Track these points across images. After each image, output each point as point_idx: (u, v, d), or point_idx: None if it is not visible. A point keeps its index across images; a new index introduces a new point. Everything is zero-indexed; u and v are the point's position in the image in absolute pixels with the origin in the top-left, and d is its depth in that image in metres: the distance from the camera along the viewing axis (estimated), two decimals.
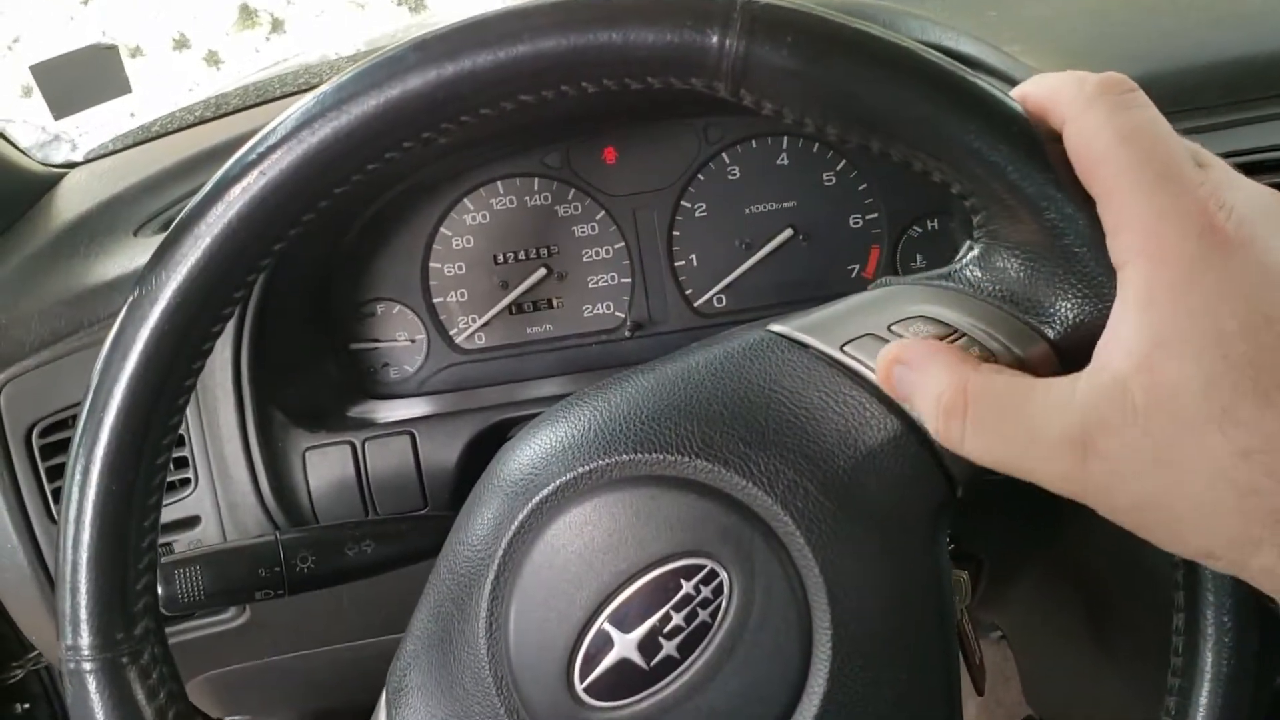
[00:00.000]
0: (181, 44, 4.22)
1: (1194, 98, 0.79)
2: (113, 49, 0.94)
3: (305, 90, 1.00)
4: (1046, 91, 0.43)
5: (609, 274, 0.88)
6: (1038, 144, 0.43)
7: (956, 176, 0.45)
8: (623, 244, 0.87)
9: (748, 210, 0.87)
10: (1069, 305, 0.45)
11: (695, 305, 0.88)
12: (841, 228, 0.87)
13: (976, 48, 0.80)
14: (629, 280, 0.88)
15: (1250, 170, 0.73)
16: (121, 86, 0.93)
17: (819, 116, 0.45)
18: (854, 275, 0.88)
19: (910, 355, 0.45)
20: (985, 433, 0.42)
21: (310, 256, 0.83)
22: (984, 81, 0.44)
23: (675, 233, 0.87)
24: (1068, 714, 1.26)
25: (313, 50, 1.45)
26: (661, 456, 0.47)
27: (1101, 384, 0.39)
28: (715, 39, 0.43)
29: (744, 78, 0.44)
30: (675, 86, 0.45)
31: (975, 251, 0.49)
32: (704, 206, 0.87)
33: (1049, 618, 1.14)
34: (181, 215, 0.48)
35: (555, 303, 0.88)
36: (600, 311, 0.88)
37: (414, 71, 0.45)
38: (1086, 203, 0.42)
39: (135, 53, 4.18)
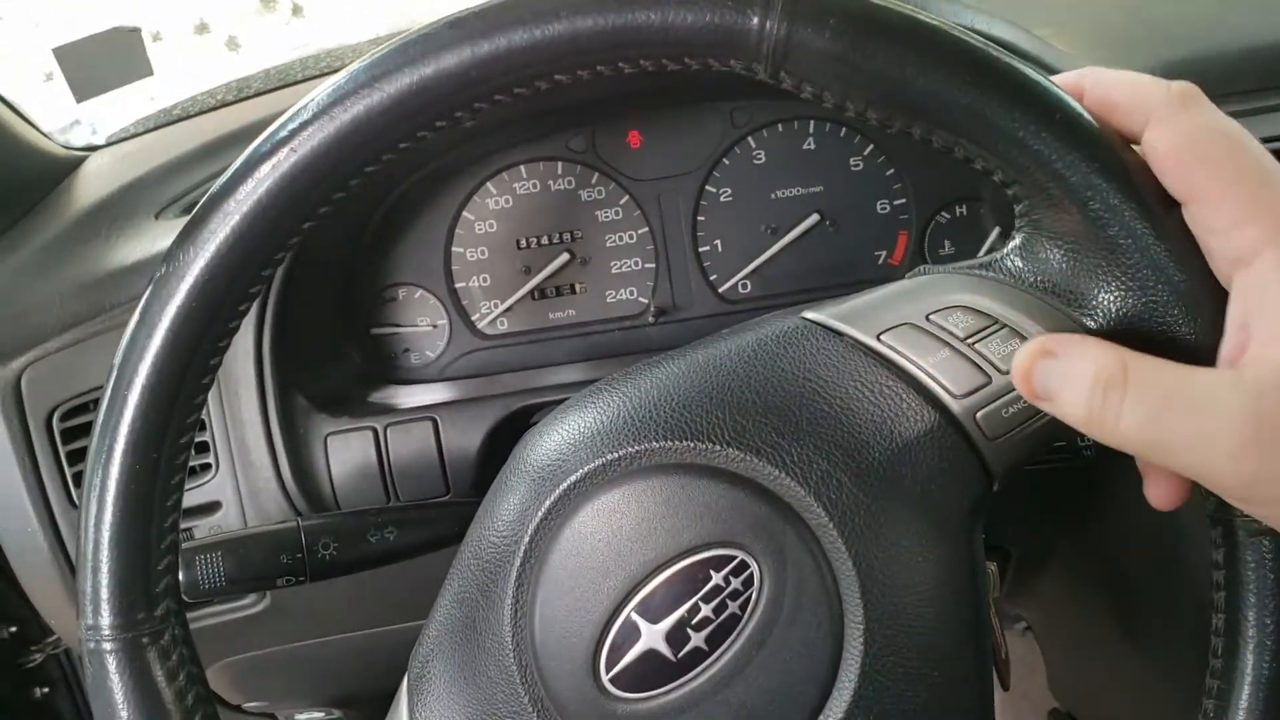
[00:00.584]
0: (202, 29, 4.22)
1: (1228, 83, 0.77)
2: (135, 31, 0.93)
3: (327, 74, 1.00)
4: (1125, 92, 0.43)
5: (633, 259, 0.87)
6: (1083, 133, 0.42)
7: (1000, 164, 0.44)
8: (647, 229, 0.86)
9: (774, 195, 0.86)
10: (1111, 297, 0.45)
11: (720, 291, 0.87)
12: (869, 213, 0.86)
13: (1009, 31, 0.79)
14: (653, 265, 0.87)
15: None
16: (143, 69, 0.92)
17: (860, 101, 0.44)
18: (881, 261, 0.87)
19: (1058, 345, 0.43)
20: (1145, 409, 0.40)
21: (332, 241, 0.83)
22: (1030, 69, 0.43)
23: (700, 217, 0.86)
24: (1094, 708, 1.25)
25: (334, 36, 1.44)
26: (692, 445, 0.47)
27: (1266, 375, 0.39)
28: (756, 20, 0.42)
29: (785, 60, 0.43)
30: (714, 69, 0.44)
31: (1017, 241, 0.48)
32: (729, 191, 0.86)
33: (1077, 611, 1.12)
34: (211, 192, 0.48)
35: (578, 288, 0.87)
36: (624, 297, 0.87)
37: (449, 49, 0.44)
38: (1161, 202, 0.42)
39: (155, 37, 4.18)
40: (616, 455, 0.47)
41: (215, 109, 1.01)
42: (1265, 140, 0.73)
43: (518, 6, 0.44)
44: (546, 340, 0.88)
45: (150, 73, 0.93)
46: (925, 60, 0.42)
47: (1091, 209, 0.43)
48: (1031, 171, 0.44)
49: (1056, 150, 0.42)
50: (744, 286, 0.87)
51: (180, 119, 1.01)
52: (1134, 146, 0.43)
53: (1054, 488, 0.83)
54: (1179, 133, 0.41)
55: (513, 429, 0.78)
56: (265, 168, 0.46)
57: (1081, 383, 0.42)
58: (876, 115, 0.44)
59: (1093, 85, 0.44)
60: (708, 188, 0.86)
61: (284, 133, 0.46)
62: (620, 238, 0.87)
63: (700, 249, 0.87)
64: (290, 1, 4.34)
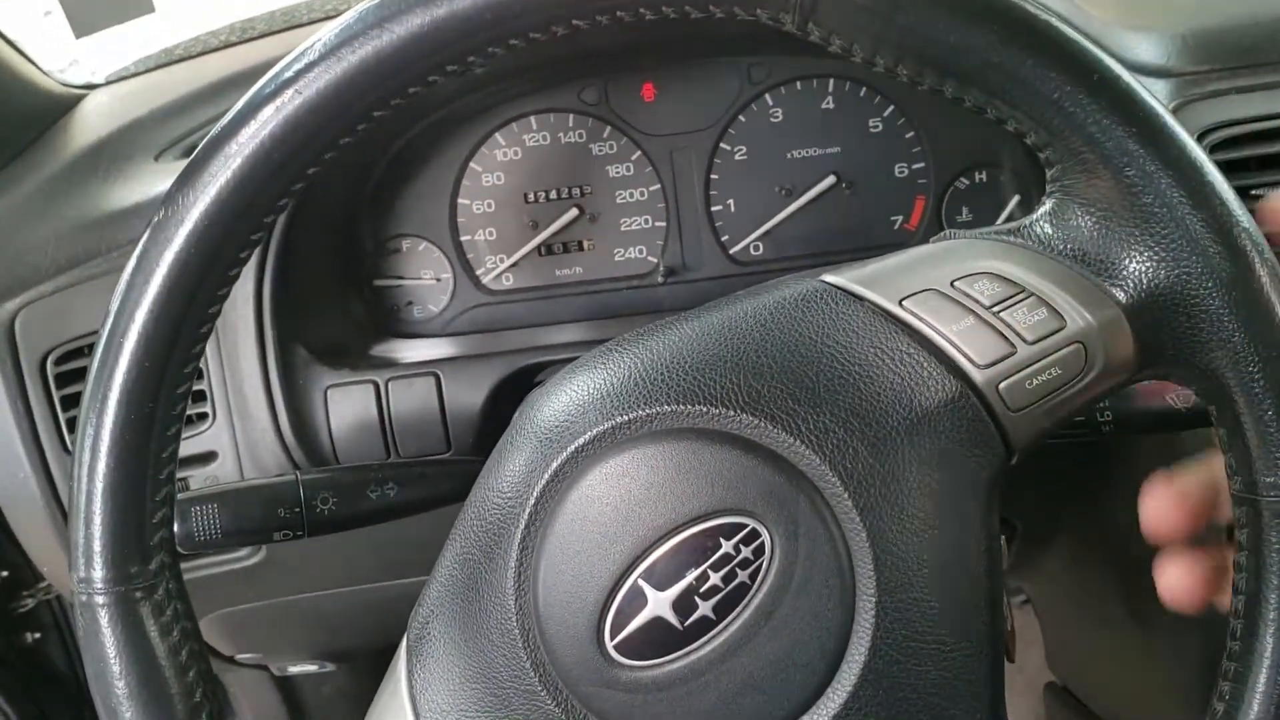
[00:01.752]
0: None
1: (1254, 53, 0.76)
2: None
3: (334, 16, 0.97)
4: None
5: (643, 217, 0.85)
6: (1121, 97, 0.41)
7: (1033, 127, 0.43)
8: (658, 186, 0.84)
9: (789, 155, 0.84)
10: (1143, 267, 0.44)
11: (731, 252, 0.85)
12: (886, 177, 0.84)
13: None
14: (663, 224, 0.85)
15: None
16: (143, 6, 0.90)
17: (890, 57, 0.43)
18: (897, 226, 0.85)
19: None
20: None
21: (335, 189, 0.81)
22: (1069, 29, 0.42)
23: (713, 176, 0.84)
24: (1091, 683, 1.24)
25: None
26: (705, 409, 0.45)
27: None
28: None
29: (814, 11, 0.41)
30: (738, 17, 0.43)
31: (1047, 206, 0.47)
32: (744, 149, 0.84)
33: (1080, 587, 1.12)
34: (212, 133, 0.46)
35: (586, 245, 0.85)
36: (632, 255, 0.86)
37: None
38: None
39: None
40: (627, 418, 0.46)
41: (218, 49, 0.99)
42: None
43: None
44: (552, 298, 0.86)
45: (151, 9, 0.91)
46: (960, 16, 0.41)
47: (1126, 175, 0.42)
48: (1065, 135, 0.42)
49: (1092, 114, 0.41)
50: (756, 248, 0.86)
51: (182, 59, 0.99)
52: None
53: (1066, 462, 0.82)
54: None
55: (517, 387, 0.77)
56: (269, 110, 0.45)
57: None
58: (907, 71, 0.43)
59: None
60: (722, 145, 0.84)
61: (289, 73, 0.45)
62: (631, 194, 0.85)
63: (712, 208, 0.85)
64: None
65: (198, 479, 0.78)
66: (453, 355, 0.79)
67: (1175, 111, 0.72)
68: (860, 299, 0.47)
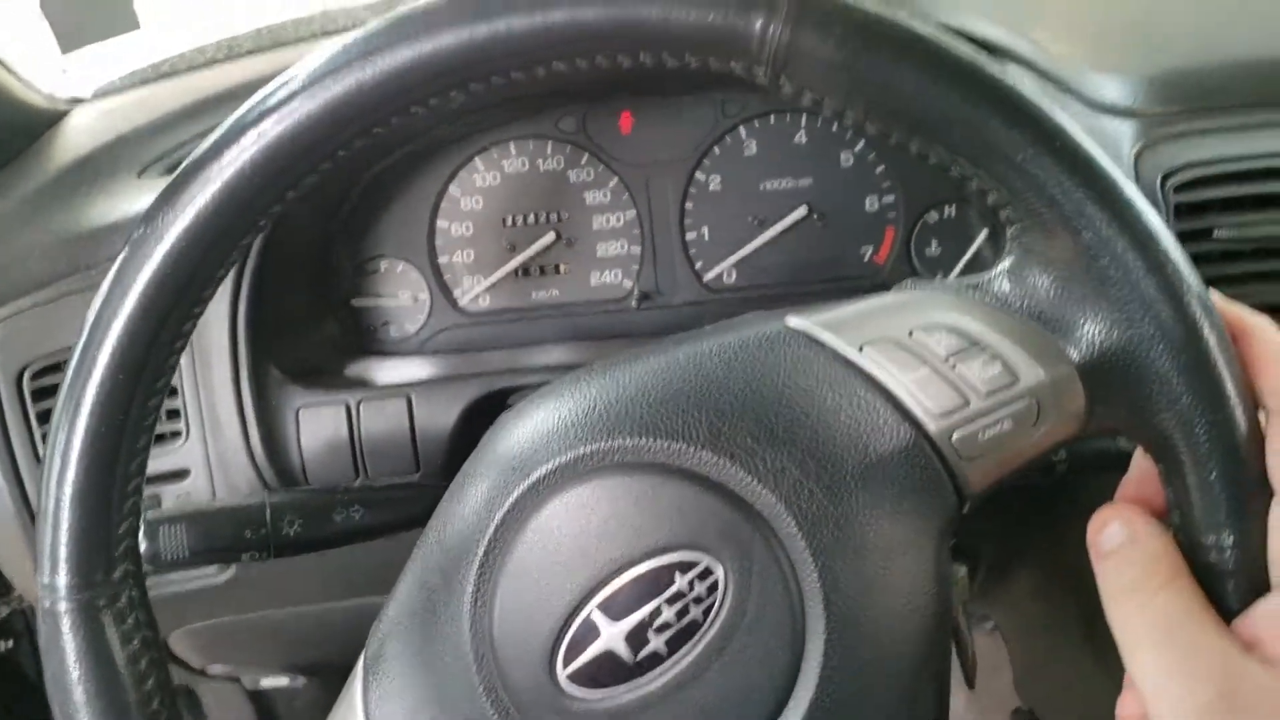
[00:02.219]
0: None
1: (1219, 95, 0.76)
2: None
3: (320, 36, 0.98)
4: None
5: (618, 242, 0.86)
6: (1081, 161, 0.42)
7: (994, 185, 0.44)
8: (634, 213, 0.85)
9: (762, 186, 0.85)
10: (1096, 328, 0.45)
11: (705, 279, 0.87)
12: (857, 209, 0.85)
13: (1006, 35, 0.78)
14: (639, 249, 0.86)
15: (1266, 175, 0.72)
16: (129, 22, 0.91)
17: (860, 112, 0.44)
18: (867, 258, 0.86)
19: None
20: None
21: (315, 209, 0.82)
22: (1032, 94, 0.43)
23: (688, 204, 0.86)
24: (1057, 709, 1.25)
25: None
26: (666, 444, 0.46)
27: None
28: (759, 24, 0.42)
29: (786, 66, 0.42)
30: (713, 69, 0.44)
31: (1006, 264, 0.48)
32: (718, 180, 0.85)
33: (1046, 616, 1.13)
34: (194, 155, 0.47)
35: (562, 268, 0.86)
36: (608, 280, 0.87)
37: (447, 28, 0.43)
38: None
39: None
40: (588, 450, 0.47)
41: (205, 67, 0.99)
42: (1259, 157, 0.74)
43: None
44: (528, 319, 0.87)
45: (137, 26, 0.92)
46: (927, 76, 0.42)
47: (1084, 238, 0.43)
48: (1026, 195, 0.43)
49: (1053, 176, 0.42)
50: (729, 275, 0.87)
51: (169, 75, 1.00)
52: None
53: (1030, 493, 0.83)
54: None
55: (488, 410, 0.77)
56: (251, 135, 0.46)
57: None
58: (875, 126, 0.44)
59: (1258, 341, 0.45)
60: (697, 175, 0.85)
61: (272, 101, 0.45)
62: (607, 220, 0.86)
63: (687, 236, 0.86)
64: None
65: (170, 495, 0.78)
66: (426, 377, 0.80)
67: (1141, 152, 0.74)
68: (821, 344, 0.48)
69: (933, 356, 0.46)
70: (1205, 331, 0.43)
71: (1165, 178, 0.73)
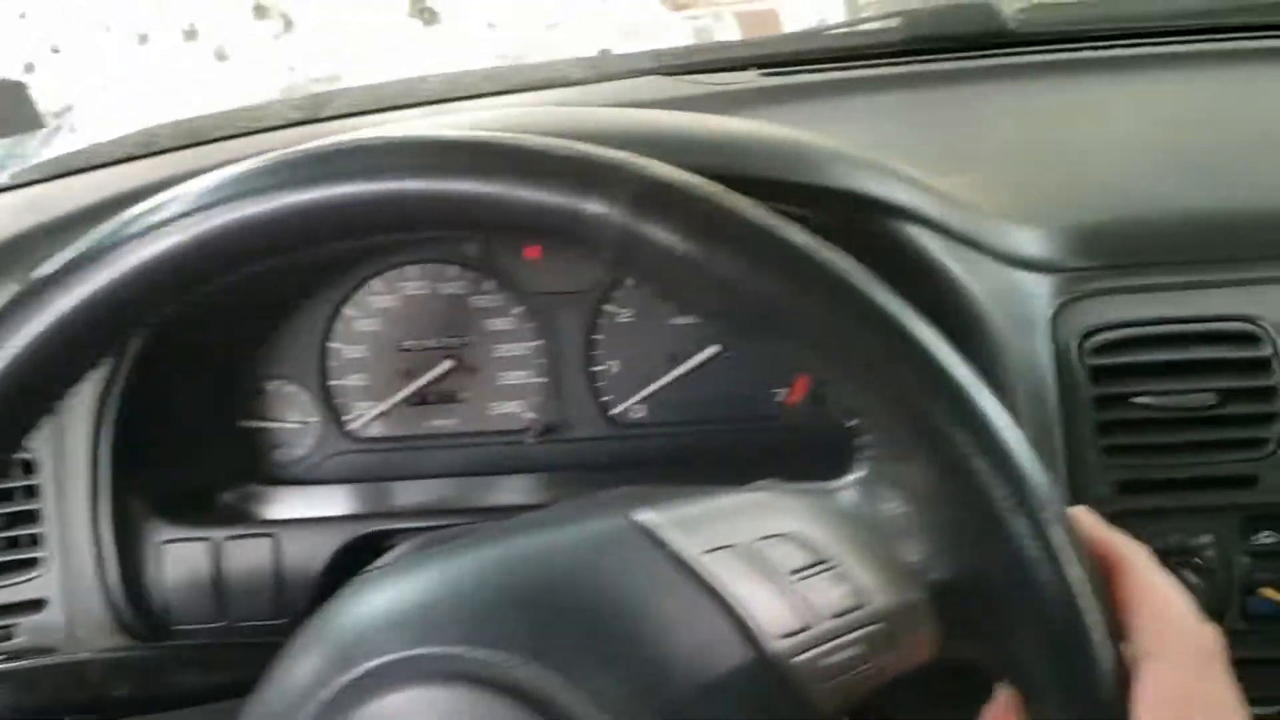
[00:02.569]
0: (191, 35, 4.20)
1: (1142, 252, 0.74)
2: (20, 85, 0.90)
3: (237, 137, 0.96)
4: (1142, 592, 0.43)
5: (521, 372, 0.83)
6: (942, 383, 0.39)
7: (844, 390, 0.41)
8: (539, 343, 0.82)
9: (676, 321, 0.83)
10: (950, 558, 0.42)
11: (611, 413, 0.83)
12: (770, 351, 0.82)
13: (907, 192, 0.74)
14: (542, 381, 0.83)
15: (1189, 340, 0.70)
16: (32, 122, 0.88)
17: (706, 308, 0.41)
18: (778, 399, 0.84)
19: None
20: None
21: (201, 328, 0.78)
22: (891, 298, 0.40)
23: (597, 337, 0.83)
24: None
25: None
26: (492, 654, 0.42)
27: None
28: (598, 208, 0.38)
29: (625, 254, 0.39)
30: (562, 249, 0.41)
31: (856, 476, 0.45)
32: (630, 313, 0.83)
33: None
34: (16, 293, 0.43)
35: (461, 397, 0.83)
36: (508, 410, 0.83)
37: (267, 194, 0.41)
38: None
39: (143, 39, 4.16)
40: (418, 653, 0.43)
41: (119, 163, 0.97)
42: (1183, 321, 0.71)
43: (349, 157, 0.40)
44: (422, 449, 0.84)
45: (40, 125, 0.90)
46: (785, 283, 0.39)
47: (936, 458, 0.40)
48: (878, 409, 0.41)
49: (907, 388, 0.39)
50: (637, 411, 0.84)
51: (80, 170, 0.97)
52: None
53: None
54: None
55: (366, 549, 0.74)
56: (91, 269, 0.43)
57: None
58: (721, 325, 0.41)
59: (1131, 574, 0.43)
60: (606, 307, 0.82)
61: (125, 234, 0.43)
62: (510, 349, 0.83)
63: (594, 369, 0.83)
64: (281, 14, 4.32)
65: (25, 628, 0.74)
66: (298, 516, 0.77)
67: (1059, 310, 0.71)
68: (664, 545, 0.44)
69: (775, 571, 0.43)
70: (1068, 567, 0.40)
71: (1084, 338, 0.70)
